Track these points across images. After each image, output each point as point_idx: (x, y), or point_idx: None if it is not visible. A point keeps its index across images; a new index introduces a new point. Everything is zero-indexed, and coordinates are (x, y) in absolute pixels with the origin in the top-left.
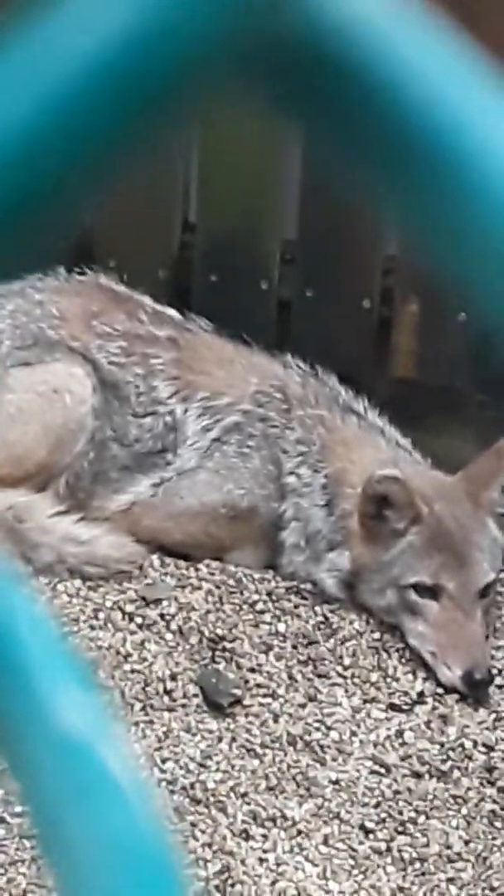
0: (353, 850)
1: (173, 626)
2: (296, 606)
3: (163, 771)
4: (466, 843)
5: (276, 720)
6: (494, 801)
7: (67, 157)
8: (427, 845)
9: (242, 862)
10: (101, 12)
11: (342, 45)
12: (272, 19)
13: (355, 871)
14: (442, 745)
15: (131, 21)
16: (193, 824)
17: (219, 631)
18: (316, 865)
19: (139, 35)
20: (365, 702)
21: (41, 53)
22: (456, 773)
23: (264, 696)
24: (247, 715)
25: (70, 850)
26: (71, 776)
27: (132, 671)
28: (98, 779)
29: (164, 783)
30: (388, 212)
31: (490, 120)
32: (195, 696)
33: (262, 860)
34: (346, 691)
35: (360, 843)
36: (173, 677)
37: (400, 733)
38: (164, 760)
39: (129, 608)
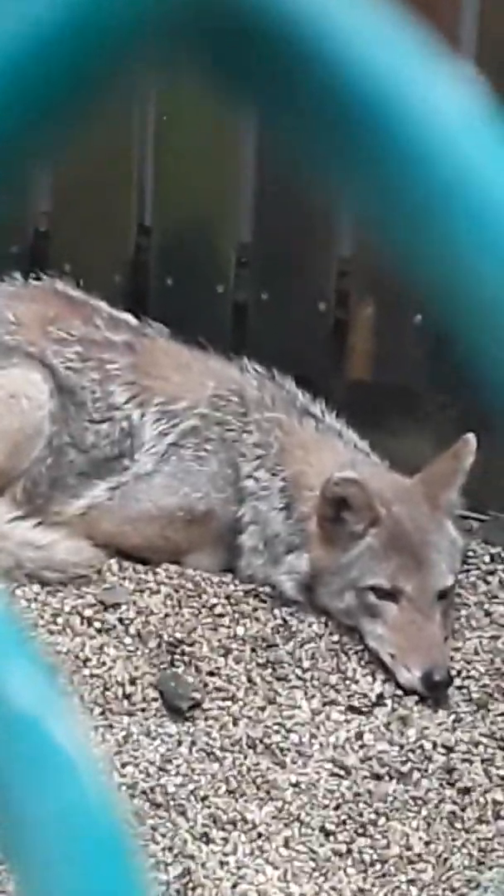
0: (314, 852)
1: (132, 631)
2: (254, 609)
3: (122, 775)
4: (427, 844)
5: (235, 723)
6: (454, 803)
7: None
8: (387, 847)
9: (203, 865)
10: None
11: (286, 20)
12: None
13: (316, 874)
14: (401, 746)
15: None
16: (154, 828)
17: (178, 635)
18: (277, 868)
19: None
20: (324, 704)
21: None
22: (416, 775)
23: (224, 699)
24: (206, 718)
25: (21, 824)
26: (20, 750)
27: (91, 676)
28: (47, 752)
29: (124, 787)
30: (340, 195)
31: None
32: (154, 700)
33: (222, 863)
34: (306, 694)
35: (321, 845)
36: (132, 681)
37: (359, 735)
38: (123, 765)
39: (88, 613)
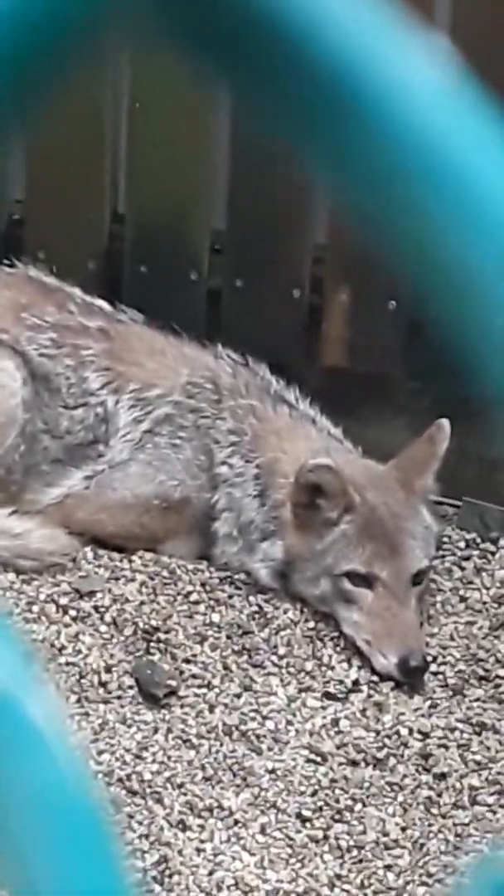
0: (291, 838)
1: (107, 618)
2: (230, 597)
3: (99, 763)
4: (403, 829)
5: (211, 710)
6: (430, 788)
7: None
8: (364, 833)
9: (180, 852)
10: None
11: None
12: None
13: (293, 860)
14: (377, 732)
15: None
16: (130, 815)
17: (153, 622)
18: (253, 855)
19: None
20: (300, 691)
21: None
22: (392, 761)
23: (199, 686)
24: (182, 706)
25: None
26: None
27: (67, 664)
28: (21, 729)
29: (100, 775)
30: (315, 174)
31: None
32: (130, 687)
33: (199, 850)
34: (282, 681)
35: (297, 831)
36: (108, 669)
37: (335, 722)
38: (99, 752)
39: (63, 601)
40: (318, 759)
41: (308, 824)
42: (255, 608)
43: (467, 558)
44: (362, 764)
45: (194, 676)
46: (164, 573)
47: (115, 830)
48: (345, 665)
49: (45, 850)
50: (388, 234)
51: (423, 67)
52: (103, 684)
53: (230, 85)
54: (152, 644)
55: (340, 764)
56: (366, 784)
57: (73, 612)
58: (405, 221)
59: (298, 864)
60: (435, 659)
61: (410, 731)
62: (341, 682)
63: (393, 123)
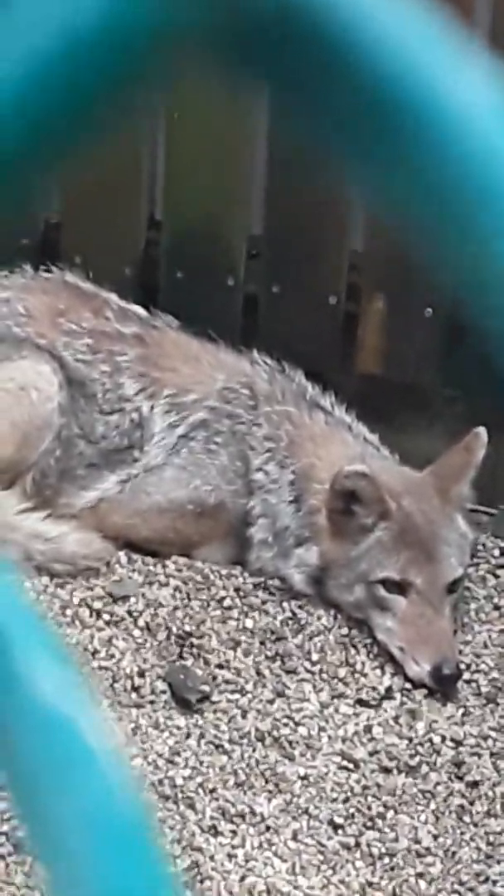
0: (322, 845)
1: (141, 623)
2: (263, 602)
3: (131, 767)
4: (435, 837)
5: (244, 716)
6: (463, 796)
7: (38, 132)
8: (396, 840)
9: (211, 858)
10: None
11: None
12: None
13: (324, 867)
14: (410, 740)
15: None
16: (162, 821)
17: (186, 627)
18: (285, 861)
19: (111, 6)
20: (333, 697)
21: (14, 24)
22: (424, 768)
23: (232, 692)
24: (215, 711)
25: (49, 822)
26: (48, 749)
27: (100, 668)
28: (74, 748)
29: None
30: (356, 187)
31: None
32: (163, 692)
33: (231, 856)
34: (315, 687)
35: (329, 838)
36: (141, 674)
37: (368, 729)
38: (132, 757)
39: (97, 605)
40: (351, 765)
41: (340, 831)
42: (288, 614)
43: (502, 566)
44: (395, 771)
45: (227, 682)
46: (198, 578)
47: (165, 852)
48: (378, 672)
49: (94, 872)
50: (430, 244)
51: (473, 79)
52: (136, 689)
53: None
54: (185, 649)
55: (373, 771)
56: (398, 791)
57: (106, 617)
58: (449, 232)
59: (330, 871)
60: (468, 667)
61: (443, 739)
62: (374, 688)
63: (442, 135)
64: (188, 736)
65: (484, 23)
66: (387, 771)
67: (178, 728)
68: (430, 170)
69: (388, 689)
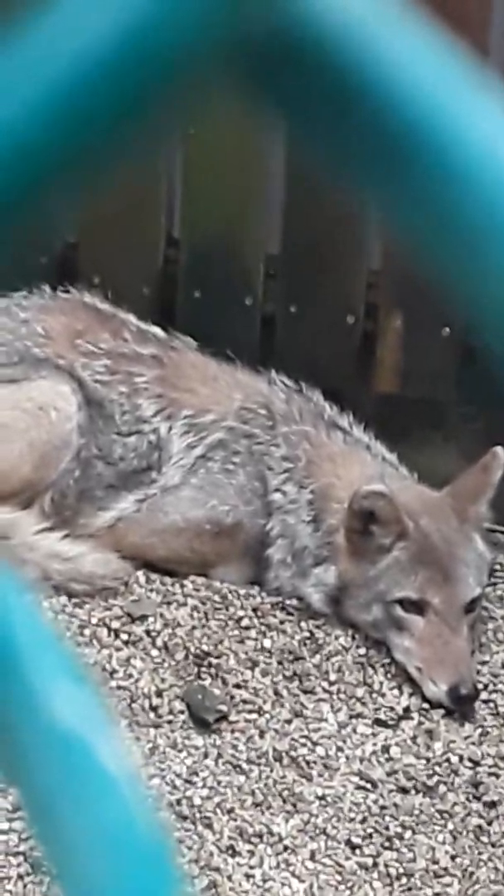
0: (340, 865)
1: (159, 643)
2: (281, 622)
3: (149, 787)
4: (453, 858)
5: (262, 736)
6: (480, 816)
7: (58, 161)
8: (413, 860)
9: (229, 878)
10: (93, 10)
11: (335, 43)
12: (266, 16)
13: (342, 887)
14: (428, 760)
15: (124, 18)
16: (180, 841)
17: (204, 647)
18: (303, 881)
19: (132, 32)
20: (351, 717)
21: (34, 53)
22: (442, 788)
23: (250, 711)
24: (233, 731)
25: (65, 842)
26: (65, 768)
27: (118, 687)
28: (92, 770)
29: (149, 800)
30: (373, 212)
31: (480, 119)
32: (181, 712)
33: (248, 876)
34: (332, 707)
35: (347, 858)
36: (159, 693)
37: (386, 749)
38: (150, 777)
39: (115, 625)
40: (369, 785)
41: (358, 851)
42: (306, 634)
43: None
44: (412, 791)
45: (245, 702)
46: (216, 598)
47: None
48: (396, 692)
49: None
50: (445, 267)
51: (489, 110)
52: (154, 709)
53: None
54: (203, 669)
55: (390, 791)
56: (416, 811)
57: (124, 636)
58: (465, 256)
59: (348, 892)
60: (486, 687)
61: (461, 759)
62: (392, 708)
63: (459, 167)
64: (206, 756)
65: (499, 53)
66: (404, 791)
67: (196, 748)
68: (441, 197)
69: (406, 709)
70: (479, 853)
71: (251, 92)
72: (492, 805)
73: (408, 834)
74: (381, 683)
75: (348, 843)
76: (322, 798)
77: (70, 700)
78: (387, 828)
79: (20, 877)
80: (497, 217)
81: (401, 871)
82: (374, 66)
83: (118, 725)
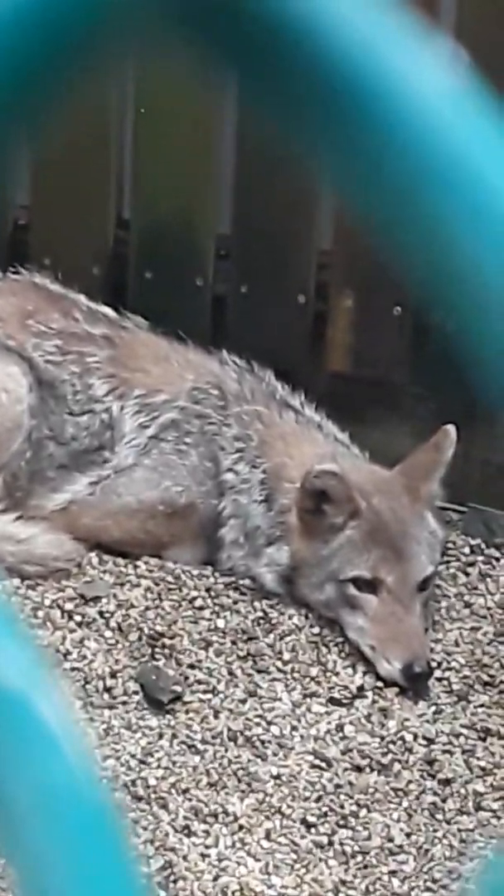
0: (295, 844)
1: (112, 624)
2: (235, 602)
3: (103, 768)
4: (408, 835)
5: (216, 716)
6: (435, 794)
7: None
8: (369, 838)
9: (185, 858)
10: None
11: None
12: None
13: (297, 866)
14: (382, 738)
15: None
16: (135, 821)
17: (158, 628)
18: (258, 860)
19: None
20: (305, 696)
21: None
22: (396, 767)
23: (204, 692)
24: (187, 711)
25: (8, 802)
26: (6, 727)
27: (72, 669)
28: (33, 729)
29: (105, 780)
30: (325, 184)
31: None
32: (135, 693)
33: (204, 856)
34: (286, 686)
35: (302, 837)
36: (113, 675)
37: (340, 727)
38: (104, 758)
39: (68, 606)
40: (323, 764)
41: (313, 830)
42: (260, 614)
43: (472, 564)
44: (367, 769)
45: (199, 682)
46: (169, 579)
47: (124, 830)
48: (350, 671)
49: (55, 851)
50: (396, 240)
51: (434, 70)
52: (108, 690)
53: (240, 87)
54: (157, 649)
55: (345, 769)
56: (370, 790)
57: (77, 618)
58: (414, 227)
59: (303, 870)
60: (440, 665)
61: (415, 737)
62: (346, 687)
63: (403, 128)
64: (160, 736)
65: (449, 19)
66: (359, 769)
67: (151, 728)
68: (391, 161)
69: (360, 688)
70: (434, 830)
71: (197, 45)
72: (446, 782)
73: (363, 812)
74: (335, 662)
75: (303, 821)
76: (277, 777)
77: (11, 657)
78: (342, 806)
79: None
80: (448, 178)
81: (356, 849)
82: (317, 20)
83: (58, 682)
